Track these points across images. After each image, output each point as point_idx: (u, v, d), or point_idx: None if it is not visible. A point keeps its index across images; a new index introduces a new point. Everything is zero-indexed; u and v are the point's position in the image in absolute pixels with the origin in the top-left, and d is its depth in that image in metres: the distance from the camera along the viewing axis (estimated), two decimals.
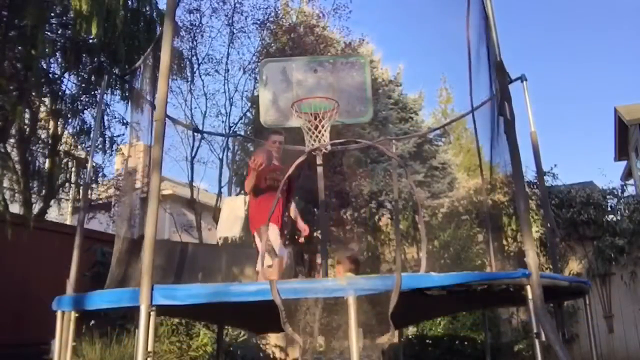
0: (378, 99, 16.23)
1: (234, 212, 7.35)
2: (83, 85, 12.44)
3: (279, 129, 7.60)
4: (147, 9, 11.79)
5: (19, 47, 10.85)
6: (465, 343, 10.09)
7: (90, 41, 11.18)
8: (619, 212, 11.74)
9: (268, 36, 15.78)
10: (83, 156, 13.29)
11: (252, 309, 4.44)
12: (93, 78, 12.03)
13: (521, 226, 4.26)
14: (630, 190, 19.62)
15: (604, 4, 48.64)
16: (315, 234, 14.51)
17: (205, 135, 14.87)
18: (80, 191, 13.45)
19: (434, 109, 30.46)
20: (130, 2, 11.39)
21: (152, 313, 3.96)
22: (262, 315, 5.12)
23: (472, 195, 14.05)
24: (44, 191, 12.67)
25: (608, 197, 11.80)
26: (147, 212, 4.19)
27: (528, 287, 4.07)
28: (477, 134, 7.12)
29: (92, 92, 12.38)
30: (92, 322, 8.17)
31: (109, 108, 12.88)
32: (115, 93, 12.31)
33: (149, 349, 3.88)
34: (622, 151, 23.09)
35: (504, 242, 11.29)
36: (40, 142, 12.80)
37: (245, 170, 15.88)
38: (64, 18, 11.21)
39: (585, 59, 50.20)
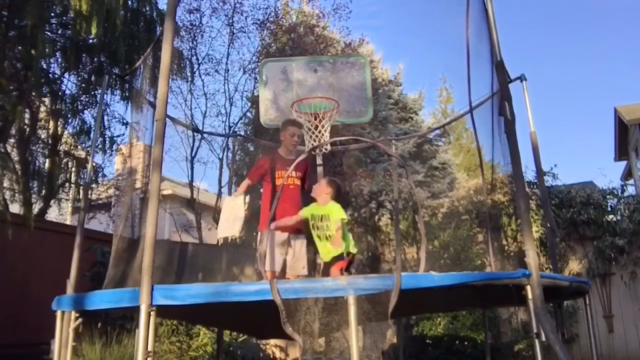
0: (378, 99, 16.20)
1: (234, 212, 7.29)
2: (83, 85, 12.46)
3: (296, 120, 7.36)
4: (147, 9, 11.80)
5: (19, 47, 10.85)
6: (465, 343, 10.09)
7: (90, 41, 11.19)
8: (619, 212, 11.74)
9: (268, 36, 15.76)
10: (83, 156, 13.31)
11: (252, 311, 4.44)
12: (93, 78, 12.06)
13: (522, 226, 4.27)
14: (630, 190, 19.62)
15: (604, 4, 48.66)
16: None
17: (205, 135, 14.88)
18: (80, 191, 13.47)
19: (434, 109, 30.34)
20: (130, 2, 11.40)
21: (152, 313, 3.96)
22: (263, 318, 5.12)
23: (472, 195, 14.02)
24: (44, 191, 12.68)
25: (608, 197, 11.80)
26: (147, 212, 4.19)
27: (528, 287, 4.07)
28: (476, 133, 7.12)
29: (92, 92, 12.41)
30: (99, 324, 8.19)
31: (109, 108, 12.91)
32: (115, 93, 12.34)
33: (149, 349, 3.88)
34: (622, 151, 23.09)
35: (504, 242, 11.28)
36: (40, 142, 12.82)
37: (246, 171, 15.95)
38: (64, 18, 11.22)
39: (585, 60, 50.22)
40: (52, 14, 11.04)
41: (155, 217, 4.17)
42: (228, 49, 15.66)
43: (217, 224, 10.90)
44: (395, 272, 3.85)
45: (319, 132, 7.88)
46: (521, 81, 6.60)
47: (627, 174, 23.43)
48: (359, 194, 13.52)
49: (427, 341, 10.30)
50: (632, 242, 11.11)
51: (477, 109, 7.11)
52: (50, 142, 12.63)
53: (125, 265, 6.24)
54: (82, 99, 12.62)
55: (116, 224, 10.00)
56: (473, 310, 9.88)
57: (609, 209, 11.70)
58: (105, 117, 12.75)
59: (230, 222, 7.49)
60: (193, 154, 15.55)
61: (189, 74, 15.32)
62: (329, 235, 6.18)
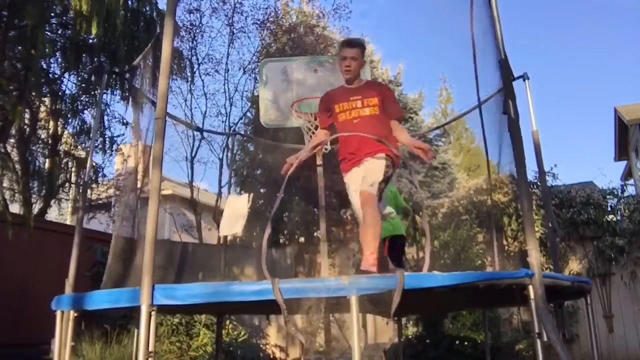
0: None
1: (236, 210, 7.26)
2: (83, 85, 12.44)
3: (346, 40, 6.39)
4: (147, 9, 11.77)
5: (19, 47, 10.84)
6: (465, 343, 10.06)
7: (90, 41, 11.16)
8: (619, 212, 11.72)
9: (268, 36, 15.77)
10: (83, 156, 13.28)
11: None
12: (93, 78, 12.03)
13: (524, 226, 4.22)
14: (630, 190, 19.65)
15: (604, 3, 48.68)
16: (315, 234, 14.48)
17: (206, 135, 14.85)
18: (80, 191, 13.44)
19: (434, 109, 30.39)
20: (130, 2, 11.37)
21: (152, 313, 3.92)
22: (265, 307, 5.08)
23: (472, 195, 14.02)
24: (44, 191, 12.65)
25: (608, 197, 11.78)
26: (147, 211, 4.15)
27: (530, 287, 4.03)
28: (484, 131, 7.07)
29: (92, 92, 12.38)
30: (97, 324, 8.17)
31: (109, 108, 12.89)
32: (115, 93, 12.32)
33: (150, 349, 3.84)
34: (622, 151, 23.11)
35: (504, 242, 11.26)
36: (40, 142, 12.79)
37: (246, 171, 15.92)
38: (64, 18, 11.20)
39: (585, 59, 50.29)
40: (52, 14, 11.01)
41: (155, 215, 4.13)
42: (228, 49, 15.68)
43: (218, 224, 10.90)
44: (398, 272, 3.82)
45: None
46: (524, 80, 6.56)
47: (627, 174, 23.45)
48: None
49: (427, 341, 10.27)
50: (632, 242, 11.08)
51: (482, 107, 7.08)
52: (50, 142, 12.61)
53: (124, 264, 6.21)
54: (82, 99, 12.61)
55: (116, 223, 9.98)
56: (473, 310, 9.86)
57: (609, 209, 11.68)
58: (105, 117, 12.75)
59: (232, 220, 7.46)
60: (193, 154, 15.55)
61: (189, 74, 15.31)
62: None
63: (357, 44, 5.56)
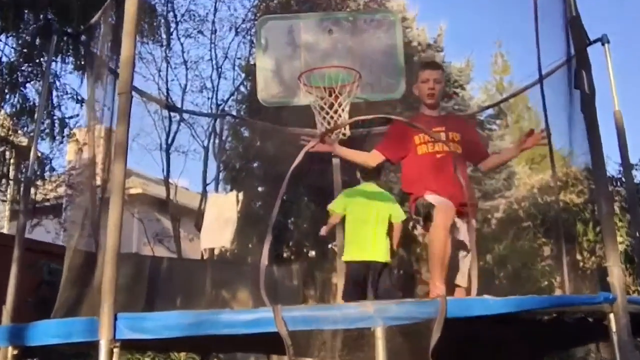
0: (412, 68, 16.19)
1: (223, 213, 7.26)
2: (24, 50, 12.45)
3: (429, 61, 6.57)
4: None
5: None
6: None
7: None
8: None
9: None
10: (25, 144, 13.31)
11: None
12: (38, 41, 12.03)
13: (603, 235, 4.22)
14: None
15: None
16: (330, 245, 14.46)
17: (186, 115, 14.85)
18: (21, 189, 13.48)
19: (486, 81, 30.26)
20: None
21: (115, 350, 3.93)
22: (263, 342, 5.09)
23: (536, 195, 13.98)
24: None
25: None
26: (108, 215, 4.16)
27: (611, 316, 4.03)
28: (546, 113, 7.06)
29: (37, 60, 12.38)
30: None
31: (59, 80, 12.88)
32: (67, 61, 12.31)
33: None
34: None
35: (578, 256, 11.22)
36: None
37: (238, 163, 15.93)
38: None
39: None
40: None
41: (118, 221, 4.13)
42: (215, 2, 15.66)
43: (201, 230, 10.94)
44: (440, 296, 3.83)
45: (335, 111, 7.87)
46: (602, 44, 6.53)
47: None
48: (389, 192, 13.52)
49: None
50: None
51: (545, 81, 7.04)
52: None
53: (81, 286, 6.23)
54: (23, 68, 12.63)
55: (69, 232, 9.99)
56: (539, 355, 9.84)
57: None
58: (54, 93, 12.75)
59: (218, 228, 7.46)
60: (169, 141, 15.54)
61: (164, 36, 15.30)
62: None
63: (439, 66, 6.17)
